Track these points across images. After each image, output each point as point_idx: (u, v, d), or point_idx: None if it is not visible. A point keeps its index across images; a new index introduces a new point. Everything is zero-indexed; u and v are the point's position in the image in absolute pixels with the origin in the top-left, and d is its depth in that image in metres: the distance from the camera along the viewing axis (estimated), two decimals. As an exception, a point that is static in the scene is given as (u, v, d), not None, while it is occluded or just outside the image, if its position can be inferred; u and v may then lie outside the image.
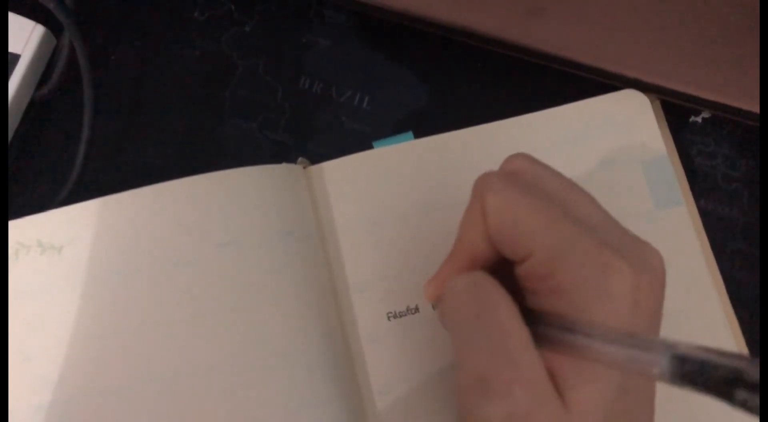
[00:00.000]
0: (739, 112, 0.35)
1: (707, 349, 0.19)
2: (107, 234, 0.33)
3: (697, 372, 0.18)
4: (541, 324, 0.24)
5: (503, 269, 0.26)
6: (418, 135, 0.36)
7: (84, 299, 0.33)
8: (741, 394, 0.17)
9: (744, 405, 0.17)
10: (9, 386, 0.32)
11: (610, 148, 0.35)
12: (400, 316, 0.33)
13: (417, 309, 0.33)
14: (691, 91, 0.35)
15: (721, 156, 0.37)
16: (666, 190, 0.35)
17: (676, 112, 0.37)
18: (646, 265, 0.24)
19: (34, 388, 0.32)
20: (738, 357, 0.18)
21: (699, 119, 0.38)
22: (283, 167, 0.35)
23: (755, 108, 0.34)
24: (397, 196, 0.35)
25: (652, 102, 0.35)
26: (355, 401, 0.32)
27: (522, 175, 0.26)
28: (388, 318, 0.33)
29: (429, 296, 0.29)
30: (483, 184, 0.26)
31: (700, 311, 0.33)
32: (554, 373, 0.23)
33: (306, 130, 0.38)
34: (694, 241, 0.34)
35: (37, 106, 0.38)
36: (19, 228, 0.34)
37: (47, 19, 0.37)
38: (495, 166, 0.35)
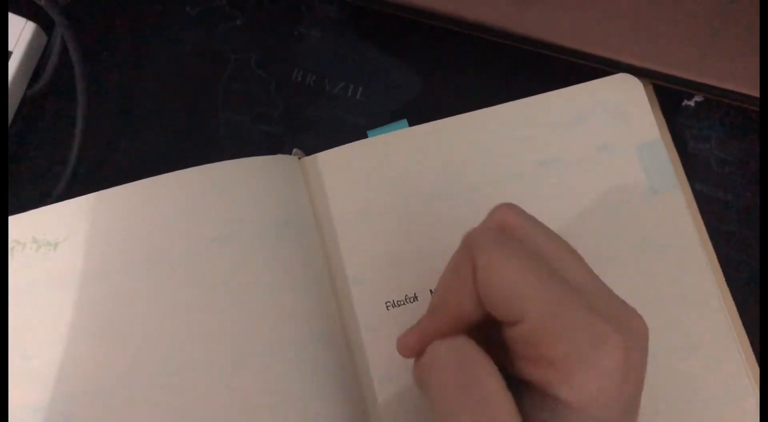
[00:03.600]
0: (732, 94, 0.35)
1: None
2: (103, 230, 0.33)
3: None
4: (526, 397, 0.24)
5: (489, 326, 0.26)
6: (413, 124, 0.36)
7: (81, 295, 0.32)
8: None
9: None
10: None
11: (604, 132, 0.35)
12: (399, 305, 0.33)
13: (415, 298, 0.33)
14: (684, 74, 0.35)
15: (715, 139, 0.37)
16: (661, 174, 0.35)
17: (669, 96, 0.37)
18: (634, 334, 0.23)
19: (33, 386, 0.32)
20: None
21: (692, 103, 0.38)
22: (278, 158, 0.35)
23: (748, 90, 0.34)
24: (393, 184, 0.35)
25: (645, 86, 0.36)
26: (355, 390, 0.32)
27: (512, 232, 0.26)
28: (387, 307, 0.33)
29: (405, 351, 0.28)
30: (473, 241, 0.25)
31: (697, 294, 0.33)
32: None
33: (300, 123, 0.38)
34: (689, 225, 0.34)
35: (30, 103, 0.38)
36: (14, 225, 0.33)
37: (38, 15, 0.37)
38: (492, 151, 0.35)
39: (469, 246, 0.25)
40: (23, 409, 0.31)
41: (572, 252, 0.26)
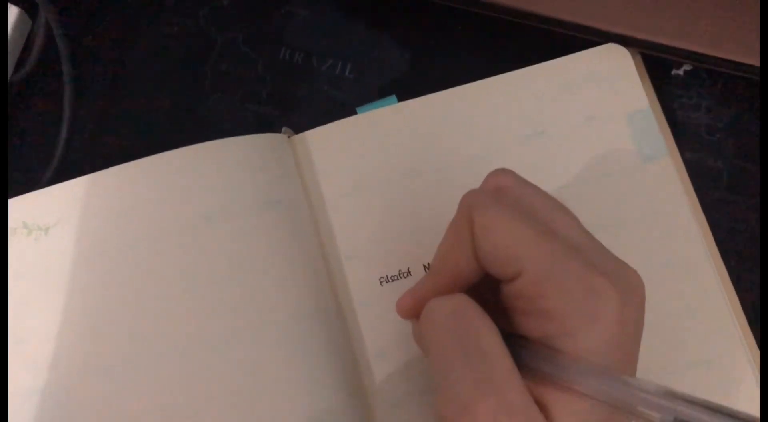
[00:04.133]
0: (720, 62, 0.35)
1: (708, 407, 0.19)
2: (93, 212, 0.33)
3: None
4: (523, 350, 0.24)
5: (484, 288, 0.26)
6: (403, 99, 0.36)
7: (74, 278, 0.32)
8: None
9: None
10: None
11: (593, 103, 0.35)
12: (393, 280, 0.33)
13: (409, 273, 0.34)
14: (672, 42, 0.35)
15: (704, 107, 0.37)
16: (651, 143, 0.35)
17: (658, 65, 0.37)
18: (630, 288, 0.24)
19: (28, 371, 0.32)
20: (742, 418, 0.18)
21: (681, 72, 0.38)
22: (267, 137, 0.35)
23: (736, 57, 0.34)
24: (383, 160, 0.35)
25: (633, 56, 0.35)
26: (351, 366, 0.32)
27: (508, 193, 0.26)
28: (381, 282, 0.33)
29: (404, 313, 0.28)
30: (470, 202, 0.26)
31: (688, 261, 0.33)
32: (538, 398, 0.23)
33: (289, 102, 0.38)
34: (680, 193, 0.34)
35: (16, 89, 0.38)
36: (4, 211, 0.33)
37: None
38: (481, 125, 0.35)
39: (467, 206, 0.26)
40: (19, 393, 0.31)
41: (566, 211, 0.26)
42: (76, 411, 0.31)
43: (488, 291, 0.26)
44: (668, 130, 0.35)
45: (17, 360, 0.32)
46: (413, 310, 0.28)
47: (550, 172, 0.34)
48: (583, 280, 0.23)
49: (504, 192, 0.26)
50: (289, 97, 0.38)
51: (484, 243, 0.25)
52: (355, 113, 0.36)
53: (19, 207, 0.33)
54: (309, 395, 0.31)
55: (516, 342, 0.24)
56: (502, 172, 0.27)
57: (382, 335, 0.33)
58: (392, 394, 0.32)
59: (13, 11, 0.36)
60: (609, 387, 0.22)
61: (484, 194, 0.26)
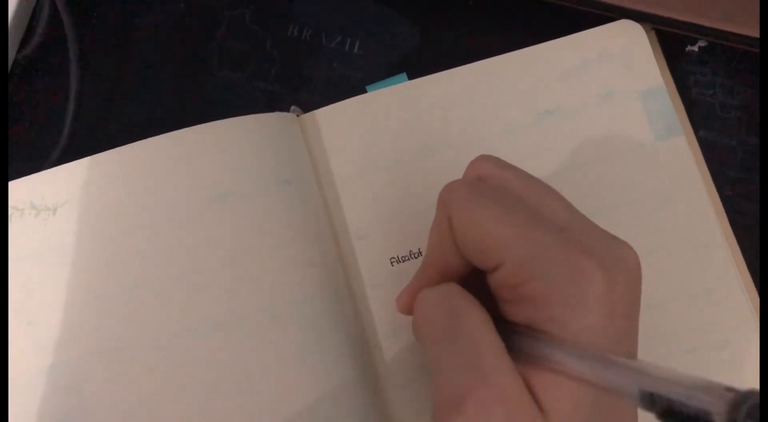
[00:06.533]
0: (735, 37, 0.34)
1: (678, 380, 0.19)
2: (101, 193, 0.33)
3: (666, 409, 0.19)
4: (515, 336, 0.24)
5: (477, 278, 0.26)
6: (413, 77, 0.35)
7: (81, 259, 0.32)
8: None
9: None
10: (13, 351, 0.31)
11: (607, 80, 0.35)
12: (403, 261, 0.33)
13: (420, 254, 0.33)
14: (686, 17, 0.34)
15: (719, 85, 0.37)
16: (665, 121, 0.34)
17: (672, 42, 0.36)
18: (620, 264, 0.23)
19: (38, 351, 0.32)
20: (709, 392, 0.18)
21: (695, 48, 0.37)
22: (276, 116, 0.34)
23: (753, 33, 0.34)
24: (393, 139, 0.34)
25: (647, 32, 0.35)
26: (361, 346, 0.32)
27: (487, 181, 0.26)
28: (391, 263, 0.33)
29: (401, 308, 0.29)
30: (448, 196, 0.26)
31: (702, 240, 0.33)
32: (530, 383, 0.23)
33: (297, 79, 0.38)
34: (694, 171, 0.34)
35: (22, 67, 0.37)
36: (11, 191, 0.33)
37: (25, -25, 0.36)
38: (493, 103, 0.35)
39: (444, 201, 0.26)
40: (30, 374, 0.31)
41: (552, 192, 0.26)
42: (85, 391, 0.31)
43: (484, 281, 0.26)
44: (682, 108, 0.35)
45: (26, 340, 0.32)
46: (409, 305, 0.28)
47: (563, 150, 0.34)
48: (565, 263, 0.23)
49: (485, 180, 0.26)
50: (298, 75, 0.38)
51: (462, 237, 0.25)
52: (364, 91, 0.36)
53: (26, 187, 0.33)
54: (319, 374, 0.31)
55: (507, 327, 0.24)
56: (481, 158, 0.27)
57: (392, 315, 0.33)
58: (402, 374, 0.32)
59: (16, -12, 0.36)
60: (590, 367, 0.22)
61: (460, 188, 0.26)
